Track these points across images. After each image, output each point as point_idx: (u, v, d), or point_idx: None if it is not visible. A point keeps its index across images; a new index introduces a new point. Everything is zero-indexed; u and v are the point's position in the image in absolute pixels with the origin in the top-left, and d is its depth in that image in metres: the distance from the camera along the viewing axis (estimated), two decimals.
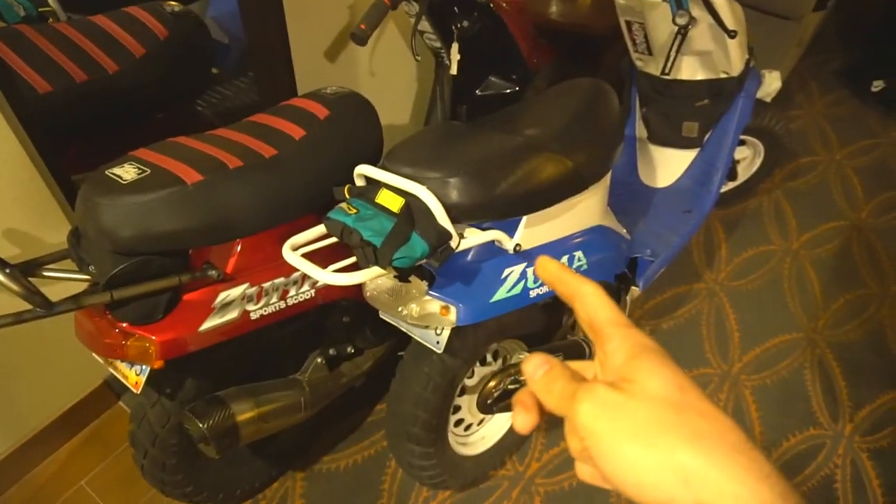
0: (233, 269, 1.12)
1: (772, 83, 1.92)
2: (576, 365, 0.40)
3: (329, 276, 0.95)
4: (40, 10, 1.51)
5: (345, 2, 1.75)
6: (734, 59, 1.64)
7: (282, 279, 1.18)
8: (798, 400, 1.85)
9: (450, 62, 1.63)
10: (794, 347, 1.99)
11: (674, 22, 1.41)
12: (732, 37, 1.50)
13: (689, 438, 0.29)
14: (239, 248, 1.11)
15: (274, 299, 1.18)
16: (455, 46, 1.61)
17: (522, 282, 1.20)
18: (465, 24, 1.62)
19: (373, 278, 0.99)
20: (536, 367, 0.37)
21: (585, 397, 0.33)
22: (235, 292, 1.12)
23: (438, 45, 1.68)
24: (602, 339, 0.36)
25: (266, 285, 1.16)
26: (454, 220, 1.03)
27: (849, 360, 1.96)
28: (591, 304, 0.37)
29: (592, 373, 0.39)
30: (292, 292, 1.20)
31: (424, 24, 1.62)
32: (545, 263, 0.40)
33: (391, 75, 2.05)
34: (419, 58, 1.55)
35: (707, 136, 1.81)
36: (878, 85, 2.98)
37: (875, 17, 3.04)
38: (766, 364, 1.94)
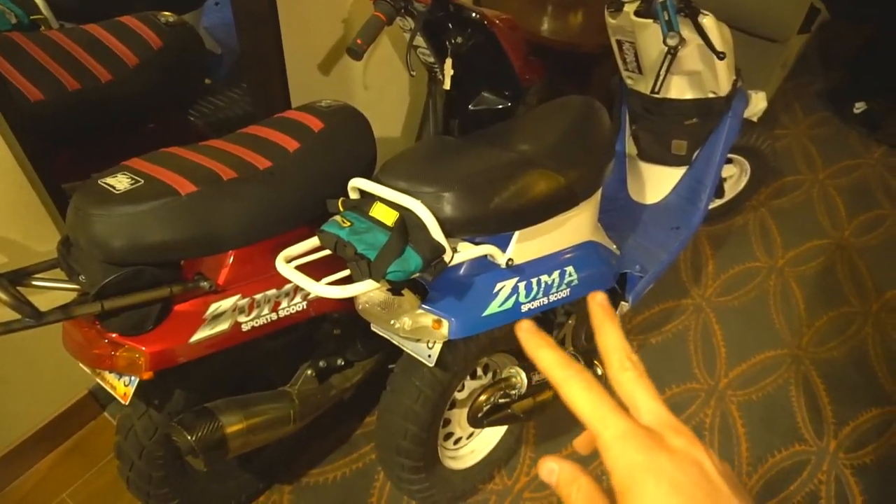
0: (225, 281, 1.11)
1: (758, 103, 1.95)
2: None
3: (323, 289, 0.95)
4: (32, 17, 1.51)
5: (339, 15, 1.76)
6: (722, 79, 1.67)
7: (274, 291, 1.17)
8: (783, 416, 1.87)
9: (443, 77, 1.65)
10: (780, 364, 2.01)
11: (664, 43, 1.43)
12: (721, 58, 1.53)
13: None
14: (231, 259, 1.11)
15: (265, 311, 1.17)
16: (449, 62, 1.63)
17: (514, 296, 1.20)
18: (459, 40, 1.64)
19: (366, 291, 1.00)
20: (554, 474, 0.35)
21: None
22: (227, 304, 1.11)
23: (432, 60, 1.70)
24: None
25: (258, 297, 1.15)
26: (447, 235, 1.03)
27: (833, 376, 1.98)
28: (570, 398, 0.34)
29: None
30: (284, 304, 1.20)
31: (419, 40, 1.64)
32: (525, 335, 0.38)
33: (384, 89, 2.06)
34: (414, 73, 1.56)
35: (696, 154, 1.84)
36: (860, 107, 3.04)
37: (855, 40, 3.12)
38: (751, 380, 1.96)
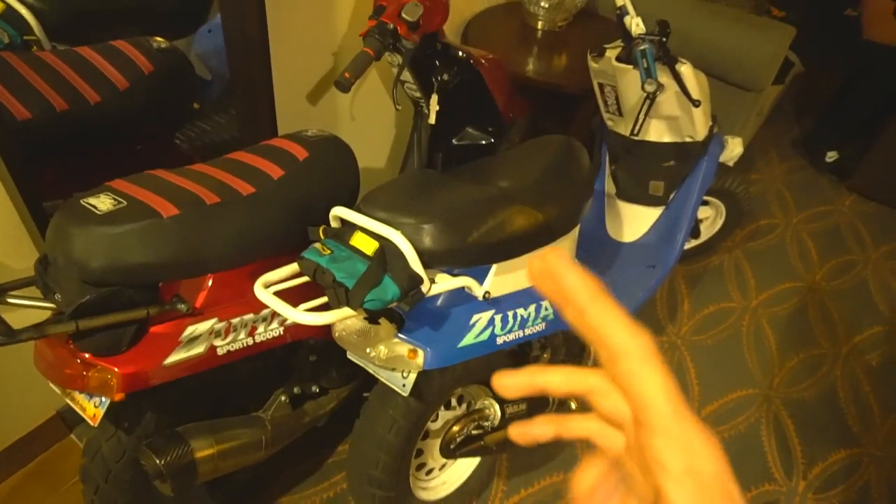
0: (202, 304, 1.12)
1: (734, 148, 2.02)
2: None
3: (300, 315, 0.96)
4: (25, 38, 1.52)
5: (329, 48, 1.81)
6: (699, 124, 1.73)
7: (251, 315, 1.18)
8: (754, 455, 1.88)
9: (428, 112, 1.69)
10: (751, 403, 2.04)
11: (643, 89, 1.48)
12: (697, 106, 1.58)
13: None
14: (210, 282, 1.12)
15: (242, 335, 1.17)
16: (434, 98, 1.67)
17: (490, 328, 1.22)
18: (446, 76, 1.69)
19: (342, 319, 1.01)
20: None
21: None
22: (203, 327, 1.12)
23: (418, 95, 1.74)
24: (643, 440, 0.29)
25: (235, 321, 1.16)
26: (426, 266, 1.05)
27: (803, 417, 2.01)
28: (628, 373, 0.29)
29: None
30: (260, 329, 1.20)
31: (406, 75, 1.68)
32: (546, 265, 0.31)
33: (370, 121, 2.10)
34: (400, 107, 1.59)
35: (672, 195, 1.88)
36: (832, 156, 3.15)
37: (829, 89, 3.24)
38: (723, 418, 1.98)
